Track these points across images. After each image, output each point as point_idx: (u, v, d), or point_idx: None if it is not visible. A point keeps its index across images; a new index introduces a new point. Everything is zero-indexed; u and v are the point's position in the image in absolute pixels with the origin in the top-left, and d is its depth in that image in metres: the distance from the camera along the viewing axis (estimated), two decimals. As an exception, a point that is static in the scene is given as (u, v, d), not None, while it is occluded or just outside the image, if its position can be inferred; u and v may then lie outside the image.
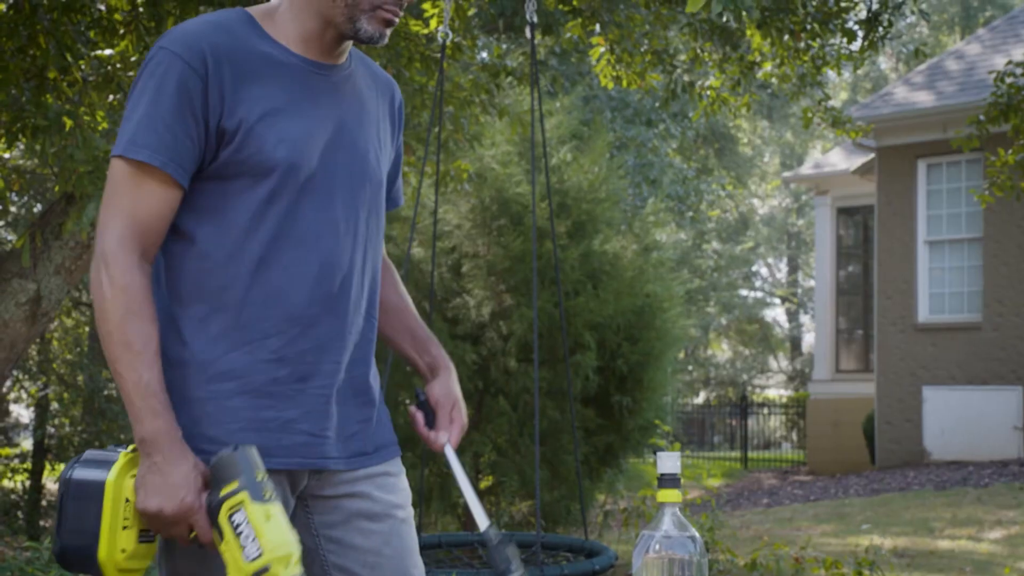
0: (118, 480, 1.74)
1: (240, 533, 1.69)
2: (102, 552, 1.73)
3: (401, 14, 1.90)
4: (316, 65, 1.89)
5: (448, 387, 2.07)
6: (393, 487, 1.98)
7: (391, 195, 2.11)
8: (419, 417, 2.06)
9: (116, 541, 1.73)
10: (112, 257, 1.76)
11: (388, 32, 1.90)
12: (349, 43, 1.94)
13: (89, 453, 1.81)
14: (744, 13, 4.77)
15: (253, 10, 1.91)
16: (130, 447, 1.79)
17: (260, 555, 1.66)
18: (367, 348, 1.99)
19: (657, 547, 1.82)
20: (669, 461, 1.84)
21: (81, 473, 1.76)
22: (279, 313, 1.83)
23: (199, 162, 1.81)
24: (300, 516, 1.93)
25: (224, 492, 1.70)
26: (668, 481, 1.83)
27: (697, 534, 1.85)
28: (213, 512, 1.71)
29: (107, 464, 1.76)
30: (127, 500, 1.74)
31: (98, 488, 1.74)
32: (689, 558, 1.82)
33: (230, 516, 1.70)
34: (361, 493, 1.93)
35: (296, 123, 1.84)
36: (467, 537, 4.26)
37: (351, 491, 1.93)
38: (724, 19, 5.08)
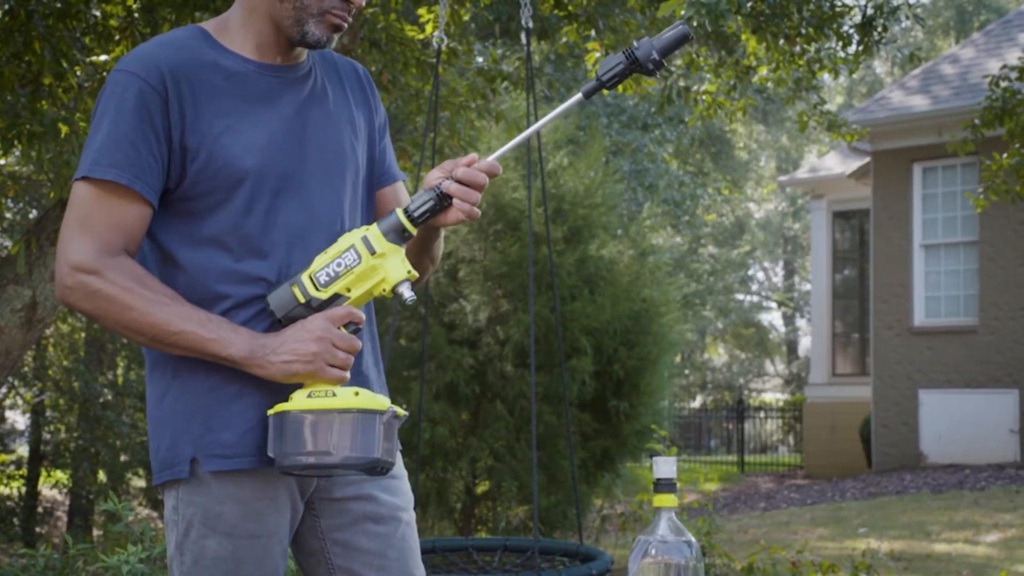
0: (289, 404, 1.80)
1: (334, 271, 1.82)
2: (352, 405, 1.80)
3: (349, 19, 1.92)
4: (272, 68, 1.92)
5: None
6: (397, 490, 2.00)
7: (385, 173, 2.11)
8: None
9: (343, 400, 1.80)
10: (96, 263, 1.78)
11: (336, 37, 1.92)
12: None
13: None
14: (721, 18, 4.77)
15: (206, 24, 1.94)
16: (274, 408, 1.82)
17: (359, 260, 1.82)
18: (372, 342, 2.02)
19: (653, 552, 1.81)
20: (665, 466, 1.84)
21: (280, 439, 1.79)
22: (270, 321, 1.86)
23: (164, 181, 1.82)
24: (306, 520, 1.95)
25: (306, 289, 1.82)
26: (664, 486, 1.83)
27: (693, 539, 1.84)
28: (318, 305, 1.83)
29: (273, 417, 1.81)
30: (308, 395, 1.80)
31: (291, 419, 1.79)
32: (685, 563, 1.81)
33: (320, 282, 1.82)
34: (367, 496, 1.95)
35: (260, 129, 1.87)
36: (462, 542, 4.26)
37: (357, 493, 1.95)
38: (697, 23, 5.08)
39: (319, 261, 1.83)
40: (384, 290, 1.84)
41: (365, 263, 1.82)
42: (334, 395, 1.79)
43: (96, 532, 10.74)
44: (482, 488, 8.15)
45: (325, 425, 1.77)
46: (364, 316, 1.86)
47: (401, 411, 1.84)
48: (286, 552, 1.91)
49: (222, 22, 1.93)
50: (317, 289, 1.82)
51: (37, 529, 11.18)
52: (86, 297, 1.78)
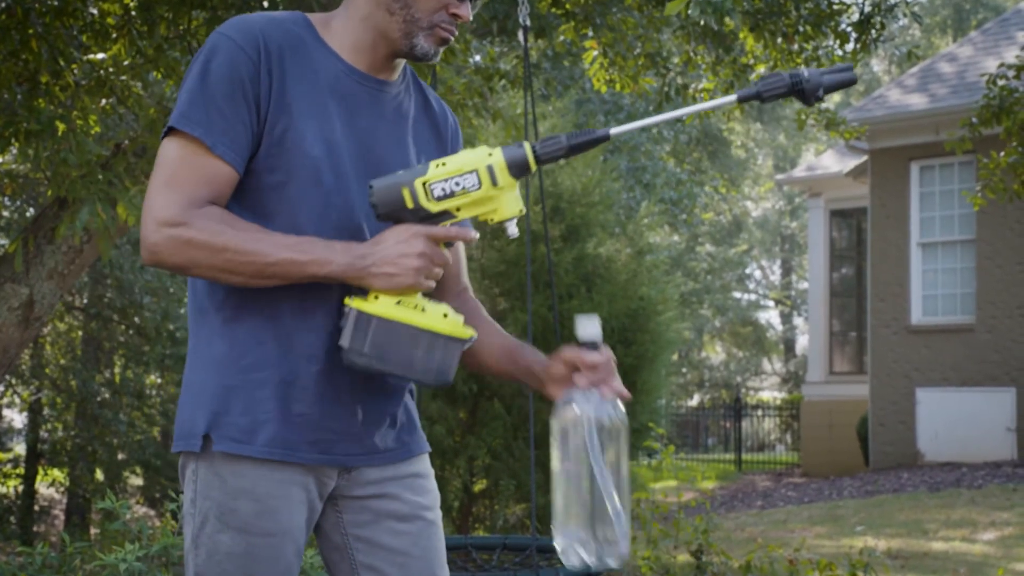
0: (377, 306, 1.80)
1: (451, 189, 1.79)
2: (443, 328, 1.81)
3: (456, 33, 1.92)
4: (364, 76, 1.91)
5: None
6: (422, 488, 1.99)
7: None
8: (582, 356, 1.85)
9: (433, 318, 1.82)
10: (183, 215, 1.76)
11: (442, 50, 1.92)
12: (402, 62, 1.95)
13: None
14: (725, 16, 4.78)
15: (312, 17, 1.93)
16: (356, 300, 1.82)
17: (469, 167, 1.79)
18: None
19: (576, 408, 1.81)
20: (590, 326, 1.83)
21: (361, 336, 1.80)
22: (311, 312, 1.85)
23: (250, 149, 1.82)
24: (330, 515, 1.95)
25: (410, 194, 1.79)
26: (589, 348, 1.81)
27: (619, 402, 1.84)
28: (424, 216, 1.80)
29: (360, 313, 1.81)
30: (397, 302, 1.80)
31: (380, 323, 1.80)
32: (610, 422, 1.80)
33: (433, 194, 1.79)
34: (390, 494, 1.95)
35: (333, 126, 1.86)
36: (460, 540, 4.26)
37: (380, 492, 1.95)
38: (702, 21, 5.09)
39: (435, 172, 1.79)
40: (491, 220, 1.83)
41: (484, 191, 1.79)
42: (424, 311, 1.81)
43: (93, 530, 10.73)
44: (480, 486, 8.15)
45: (412, 340, 1.79)
46: (475, 236, 1.86)
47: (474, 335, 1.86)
48: (301, 551, 1.90)
49: (327, 18, 1.93)
50: (428, 200, 1.79)
51: (34, 527, 11.17)
52: (177, 250, 1.76)
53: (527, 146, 1.81)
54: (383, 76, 1.93)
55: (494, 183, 1.79)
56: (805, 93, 1.80)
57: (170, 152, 1.80)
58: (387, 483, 1.95)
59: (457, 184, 1.79)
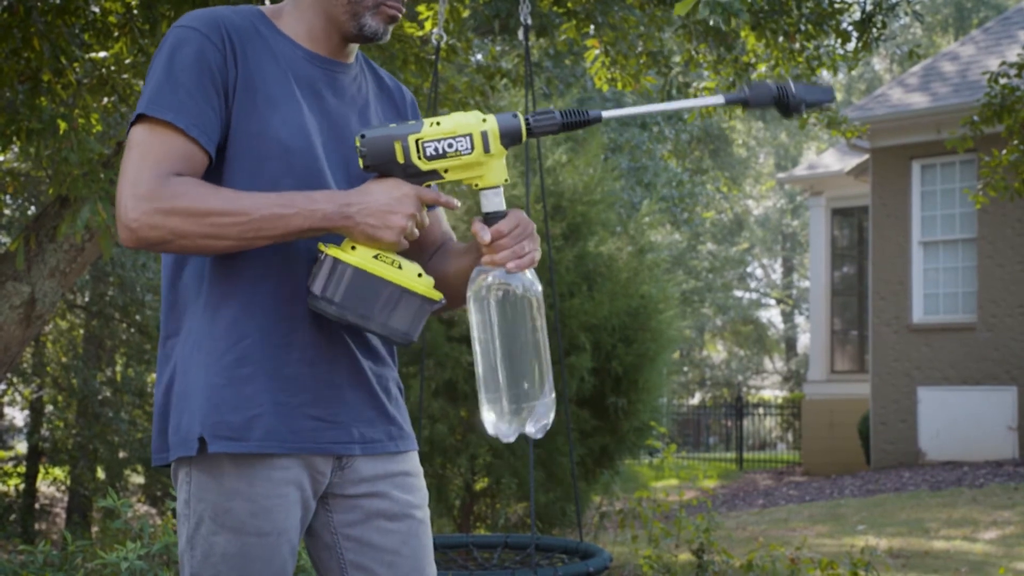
0: (355, 256, 1.78)
1: (443, 149, 1.78)
2: (417, 287, 1.80)
3: (403, 10, 1.92)
4: (323, 60, 1.93)
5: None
6: (411, 487, 1.99)
7: None
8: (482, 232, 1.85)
9: (408, 276, 1.80)
10: (159, 186, 1.74)
11: (391, 28, 1.93)
12: (355, 46, 1.97)
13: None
14: (734, 16, 4.78)
15: (263, 9, 1.95)
16: (332, 247, 1.80)
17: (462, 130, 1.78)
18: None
19: (490, 279, 1.81)
20: (495, 198, 1.82)
21: (335, 284, 1.78)
22: (289, 299, 1.84)
23: (221, 134, 1.81)
24: (320, 515, 1.95)
25: (399, 152, 1.78)
26: (494, 219, 1.81)
27: (532, 270, 1.82)
28: (413, 172, 1.79)
29: (337, 261, 1.78)
30: (375, 256, 1.79)
31: (356, 273, 1.77)
32: (522, 291, 1.81)
33: (425, 152, 1.78)
34: (380, 493, 1.95)
35: (299, 110, 1.86)
36: (461, 539, 4.26)
37: (371, 491, 1.94)
38: (712, 22, 5.09)
39: (430, 130, 1.78)
40: (475, 185, 1.82)
41: (476, 156, 1.79)
42: (400, 267, 1.80)
43: (95, 529, 10.74)
44: (481, 485, 8.15)
45: (388, 296, 1.78)
46: (457, 204, 1.85)
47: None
48: (295, 550, 1.90)
49: (276, 11, 1.95)
50: (419, 157, 1.78)
51: (35, 526, 11.17)
52: (158, 222, 1.72)
53: (521, 116, 1.81)
54: (341, 59, 1.95)
55: (486, 149, 1.79)
56: (789, 106, 1.83)
57: (140, 135, 1.78)
58: (378, 481, 1.95)
59: (450, 145, 1.78)
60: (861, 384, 14.23)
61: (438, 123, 1.79)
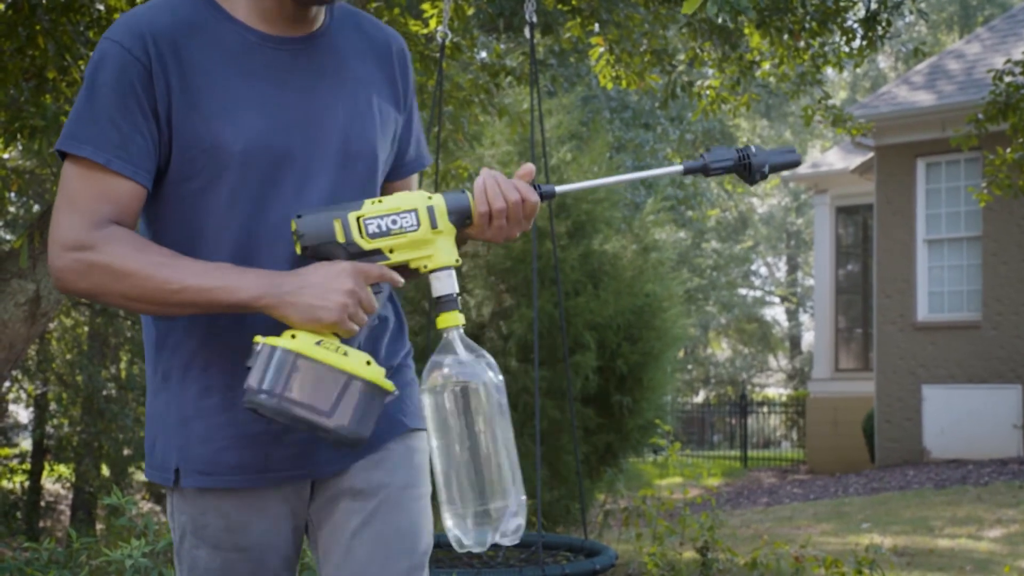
0: (296, 343, 1.63)
1: (387, 226, 1.69)
2: (367, 375, 1.64)
3: None
4: (279, 40, 1.76)
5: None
6: (379, 462, 1.83)
7: (409, 160, 1.95)
8: None
9: (356, 363, 1.64)
10: (86, 237, 1.64)
11: None
12: (316, 9, 1.80)
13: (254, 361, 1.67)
14: (741, 14, 4.79)
15: None
16: (271, 338, 1.66)
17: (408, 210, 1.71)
18: (375, 341, 1.86)
19: (446, 372, 1.68)
20: (447, 280, 1.72)
21: (273, 374, 1.62)
22: (250, 326, 1.72)
23: (157, 158, 1.69)
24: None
25: (339, 234, 1.68)
26: (446, 303, 1.72)
27: (490, 356, 1.72)
28: (355, 252, 1.69)
29: (275, 349, 1.63)
30: (317, 343, 1.63)
31: (296, 360, 1.62)
32: (486, 386, 1.69)
33: (367, 230, 1.69)
34: (350, 472, 1.84)
35: (257, 109, 1.71)
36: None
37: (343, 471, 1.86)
38: (720, 20, 5.09)
39: (371, 208, 1.69)
40: (424, 267, 1.72)
41: (422, 234, 1.70)
42: (346, 354, 1.63)
43: (99, 526, 10.75)
44: (485, 483, 8.14)
45: (332, 384, 1.61)
46: (401, 280, 1.72)
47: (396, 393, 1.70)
48: (289, 560, 1.84)
49: None
50: (362, 236, 1.68)
51: (40, 523, 11.18)
52: (82, 274, 1.64)
53: (469, 195, 1.74)
54: (302, 32, 1.78)
55: (433, 225, 1.71)
56: (751, 169, 1.80)
57: (67, 174, 1.67)
58: (346, 458, 1.83)
59: (394, 222, 1.69)
60: (865, 382, 14.21)
61: (380, 201, 1.71)
